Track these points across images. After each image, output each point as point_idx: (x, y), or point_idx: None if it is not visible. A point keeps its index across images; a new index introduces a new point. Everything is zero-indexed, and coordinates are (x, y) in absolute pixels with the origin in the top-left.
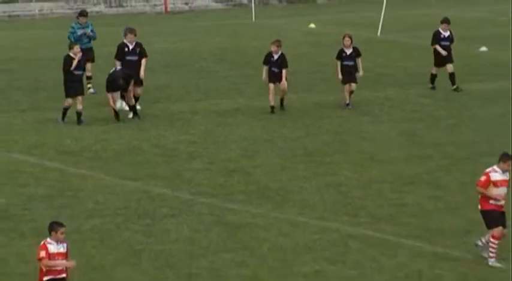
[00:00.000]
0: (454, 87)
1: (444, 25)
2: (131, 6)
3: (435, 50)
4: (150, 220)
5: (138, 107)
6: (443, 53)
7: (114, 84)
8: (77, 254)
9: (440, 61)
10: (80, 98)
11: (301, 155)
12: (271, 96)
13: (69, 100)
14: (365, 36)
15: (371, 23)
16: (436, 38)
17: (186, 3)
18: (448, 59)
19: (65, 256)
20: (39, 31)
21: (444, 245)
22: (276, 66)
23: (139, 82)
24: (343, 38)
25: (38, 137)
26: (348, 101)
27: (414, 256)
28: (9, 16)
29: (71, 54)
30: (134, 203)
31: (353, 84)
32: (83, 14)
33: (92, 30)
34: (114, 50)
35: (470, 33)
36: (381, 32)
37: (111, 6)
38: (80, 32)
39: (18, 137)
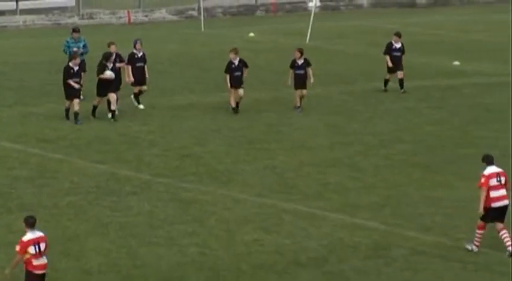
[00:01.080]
0: (402, 90)
1: (396, 37)
2: (100, 18)
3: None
4: (116, 197)
5: (141, 106)
6: (390, 64)
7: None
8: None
9: (392, 69)
10: (77, 100)
11: (243, 142)
12: (232, 100)
13: (68, 102)
14: (295, 43)
15: (301, 32)
16: (389, 48)
17: (146, 16)
18: (399, 67)
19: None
20: (24, 39)
21: (361, 218)
22: (238, 71)
23: (144, 82)
24: (295, 51)
25: (22, 128)
26: (298, 105)
27: (337, 226)
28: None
29: (71, 65)
30: (103, 183)
31: (304, 91)
32: (75, 30)
33: (84, 45)
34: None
35: (382, 40)
36: (309, 40)
37: (83, 18)
38: (73, 46)
39: (5, 128)
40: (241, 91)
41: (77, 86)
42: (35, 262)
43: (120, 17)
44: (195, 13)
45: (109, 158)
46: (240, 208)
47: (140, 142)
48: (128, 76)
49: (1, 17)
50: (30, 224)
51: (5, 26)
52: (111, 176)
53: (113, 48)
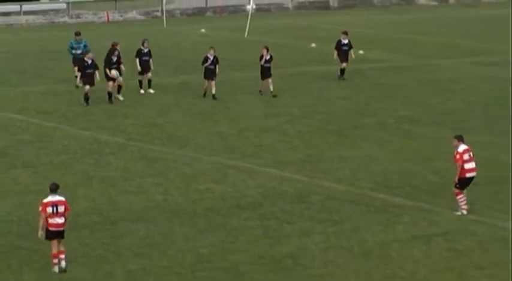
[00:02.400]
0: (343, 77)
1: (344, 35)
2: (85, 17)
3: (337, 53)
4: (98, 156)
5: (151, 91)
6: (335, 57)
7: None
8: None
9: (341, 60)
10: (88, 87)
11: (197, 114)
12: (206, 86)
13: (86, 87)
14: (237, 37)
15: (241, 29)
16: (338, 44)
17: (121, 16)
18: (345, 59)
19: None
20: (26, 34)
21: (288, 171)
22: (212, 65)
23: (149, 71)
24: (262, 48)
25: (23, 103)
26: (261, 90)
27: (269, 178)
28: (6, 25)
29: (86, 59)
30: (88, 145)
31: (269, 80)
32: (77, 34)
33: (84, 45)
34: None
35: (304, 35)
36: (247, 35)
37: (72, 18)
38: (76, 46)
39: (10, 103)
40: (213, 82)
41: (116, 72)
42: (50, 220)
43: (101, 17)
44: (159, 14)
45: (92, 126)
46: (194, 164)
47: (117, 113)
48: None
49: (8, 17)
50: (52, 189)
51: (12, 24)
52: (94, 140)
53: (118, 47)
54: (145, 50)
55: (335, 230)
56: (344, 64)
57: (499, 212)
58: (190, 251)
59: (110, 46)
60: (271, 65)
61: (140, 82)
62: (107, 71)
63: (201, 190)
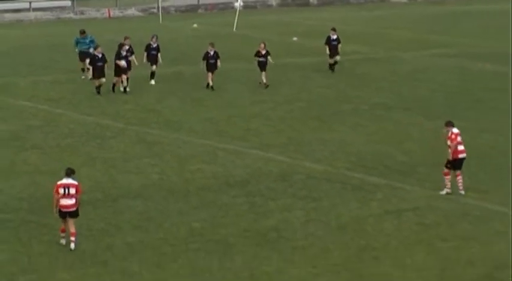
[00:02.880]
0: (332, 69)
1: (332, 31)
2: (88, 14)
3: (328, 48)
4: (100, 139)
5: (152, 82)
6: (327, 52)
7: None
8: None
9: (332, 55)
10: (102, 79)
11: (190, 101)
12: (209, 79)
13: (96, 81)
14: (225, 31)
15: (230, 24)
16: (328, 40)
17: (121, 12)
18: (335, 53)
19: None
20: (35, 29)
21: (273, 153)
22: (212, 59)
23: (156, 64)
24: (260, 44)
25: (33, 91)
26: (264, 81)
27: (255, 159)
28: (17, 21)
29: (96, 53)
30: (91, 129)
31: (264, 73)
32: (81, 32)
33: (91, 41)
34: None
35: (287, 30)
36: (235, 29)
37: (76, 14)
38: (81, 41)
39: (21, 91)
40: (211, 75)
41: (124, 62)
42: (62, 201)
43: (103, 13)
44: (155, 10)
45: (95, 112)
46: (187, 147)
47: (118, 100)
48: (144, 60)
49: (18, 13)
50: (66, 173)
51: (22, 20)
52: (96, 125)
53: (127, 42)
54: (154, 45)
55: (314, 206)
56: (337, 57)
57: (429, 186)
58: (184, 225)
59: (111, 39)
60: (267, 59)
61: (152, 74)
62: (117, 62)
63: (193, 170)
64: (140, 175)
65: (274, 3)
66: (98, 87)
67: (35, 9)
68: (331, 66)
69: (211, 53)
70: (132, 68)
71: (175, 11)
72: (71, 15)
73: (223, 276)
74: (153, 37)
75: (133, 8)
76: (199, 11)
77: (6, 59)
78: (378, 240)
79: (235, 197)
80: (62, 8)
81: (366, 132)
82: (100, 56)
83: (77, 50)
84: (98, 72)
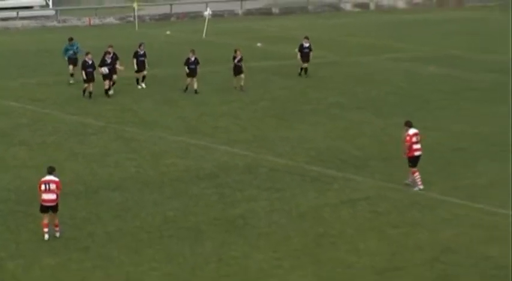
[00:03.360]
0: (306, 76)
1: (305, 39)
2: (70, 22)
3: (300, 54)
4: (82, 137)
5: (143, 85)
6: (299, 57)
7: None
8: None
9: (302, 60)
10: (91, 84)
11: (165, 101)
12: (188, 82)
13: (85, 85)
14: (195, 38)
15: (199, 31)
16: (301, 47)
17: (101, 21)
18: (307, 59)
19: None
20: (22, 36)
21: (239, 148)
22: (193, 65)
23: (144, 70)
24: (235, 51)
25: (22, 92)
26: (236, 86)
27: (223, 154)
28: (5, 28)
29: (86, 59)
30: (74, 127)
31: (242, 75)
32: (70, 39)
33: (77, 48)
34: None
35: (251, 35)
36: (204, 36)
37: (59, 22)
38: (70, 49)
39: (10, 93)
40: (194, 79)
41: (106, 69)
42: (43, 196)
43: (84, 22)
44: (131, 19)
45: (78, 112)
46: (162, 143)
47: (99, 101)
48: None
49: (6, 21)
50: (48, 171)
51: (9, 28)
52: (79, 123)
53: (110, 49)
54: (141, 52)
55: (277, 196)
56: (305, 64)
57: (379, 177)
58: (159, 214)
59: (92, 46)
60: (242, 64)
61: (137, 79)
62: (100, 69)
63: (167, 164)
64: (118, 168)
65: (240, 12)
66: (84, 90)
67: (22, 18)
68: (302, 70)
69: (192, 59)
70: (117, 73)
71: (150, 19)
72: (55, 23)
73: (194, 260)
74: (140, 45)
75: (111, 17)
76: (172, 19)
77: None
78: (334, 227)
79: (205, 188)
80: (47, 17)
81: (323, 130)
82: (90, 62)
83: (66, 57)
84: (88, 77)
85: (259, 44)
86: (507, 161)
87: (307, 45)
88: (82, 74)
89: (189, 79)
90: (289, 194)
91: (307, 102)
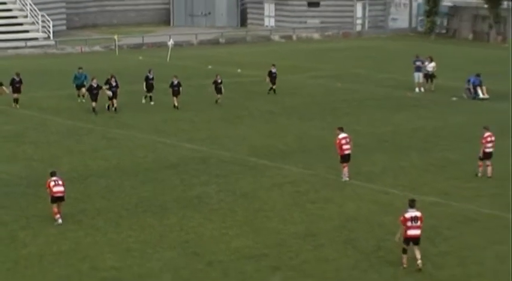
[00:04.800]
0: (275, 94)
1: (273, 66)
2: (66, 50)
3: (269, 78)
4: (77, 136)
5: (152, 103)
6: (267, 81)
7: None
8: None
9: (271, 83)
10: (94, 103)
11: (140, 110)
12: (174, 101)
13: (93, 103)
14: (161, 61)
15: (165, 56)
16: (269, 73)
17: (90, 49)
18: (274, 82)
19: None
20: (29, 60)
21: (197, 145)
22: (176, 87)
23: (151, 91)
24: (216, 75)
25: (30, 103)
26: (217, 100)
27: (184, 149)
28: (16, 54)
29: (92, 83)
30: (70, 130)
31: (220, 95)
32: (80, 68)
33: (85, 76)
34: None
35: (203, 60)
36: (168, 60)
37: (58, 50)
38: (79, 77)
39: (21, 103)
40: (175, 98)
41: (110, 92)
42: (55, 189)
43: (77, 49)
44: (113, 47)
45: (73, 118)
46: (137, 141)
47: (89, 111)
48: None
49: (17, 49)
50: (51, 174)
51: (19, 54)
52: (74, 126)
53: (113, 80)
54: (151, 76)
55: (224, 181)
56: (274, 86)
57: (324, 167)
58: (135, 195)
59: (84, 67)
60: (222, 86)
61: (145, 96)
62: (106, 91)
63: (141, 157)
64: (104, 160)
65: (195, 42)
66: (94, 108)
67: (29, 47)
68: (271, 90)
69: (175, 82)
70: (118, 96)
71: (127, 47)
72: (54, 50)
73: (161, 229)
74: (150, 70)
75: (98, 46)
76: (144, 47)
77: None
78: (267, 204)
79: (170, 175)
80: (48, 46)
81: (258, 130)
82: (95, 85)
83: (74, 84)
84: (93, 97)
85: (210, 67)
86: (395, 154)
87: (274, 70)
88: (90, 95)
89: (174, 98)
90: (233, 179)
91: (246, 110)
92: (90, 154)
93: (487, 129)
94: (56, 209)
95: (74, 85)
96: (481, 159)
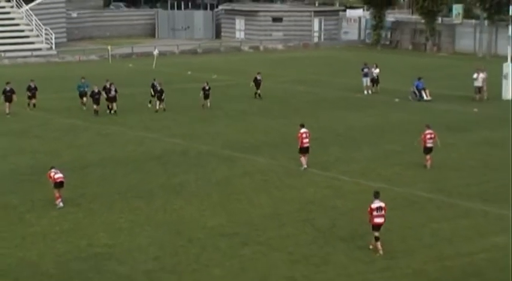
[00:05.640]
0: (260, 98)
1: (258, 74)
2: (66, 58)
3: (255, 84)
4: (74, 132)
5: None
6: (252, 85)
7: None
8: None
9: (256, 88)
10: (98, 106)
11: (129, 110)
12: (157, 106)
13: (95, 106)
14: (148, 68)
15: (151, 64)
16: (254, 79)
17: (87, 57)
18: (259, 87)
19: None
20: (35, 68)
21: (178, 139)
22: (159, 93)
23: (162, 99)
24: (207, 83)
25: (37, 104)
26: (203, 105)
27: (167, 143)
28: (24, 63)
29: (94, 90)
30: (70, 127)
31: (208, 100)
32: (82, 77)
33: (87, 86)
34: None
35: (183, 67)
36: (154, 67)
37: (59, 59)
38: (82, 86)
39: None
40: (163, 103)
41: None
42: (56, 176)
43: (76, 58)
44: (106, 56)
45: (72, 117)
46: (128, 136)
47: (87, 111)
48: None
49: (25, 58)
50: (51, 167)
51: (26, 62)
52: (73, 124)
53: (113, 86)
54: (159, 88)
55: (202, 170)
56: (259, 91)
57: (287, 158)
58: (126, 182)
59: (81, 73)
60: (210, 92)
61: (150, 101)
62: (108, 95)
63: (130, 150)
64: (98, 153)
65: (177, 51)
66: (96, 111)
67: (35, 56)
68: (256, 95)
69: (159, 88)
70: (117, 99)
71: (119, 56)
72: (56, 59)
73: (148, 211)
74: (155, 79)
75: (93, 55)
76: (133, 56)
77: (19, 86)
78: (239, 189)
79: (155, 165)
80: (51, 55)
81: (232, 127)
82: (96, 91)
83: (78, 91)
84: (95, 102)
85: (189, 72)
86: (347, 146)
87: (259, 77)
88: (92, 100)
89: (157, 102)
90: (210, 168)
91: (221, 110)
92: (87, 147)
93: (428, 127)
94: (57, 194)
95: (78, 93)
96: (425, 153)
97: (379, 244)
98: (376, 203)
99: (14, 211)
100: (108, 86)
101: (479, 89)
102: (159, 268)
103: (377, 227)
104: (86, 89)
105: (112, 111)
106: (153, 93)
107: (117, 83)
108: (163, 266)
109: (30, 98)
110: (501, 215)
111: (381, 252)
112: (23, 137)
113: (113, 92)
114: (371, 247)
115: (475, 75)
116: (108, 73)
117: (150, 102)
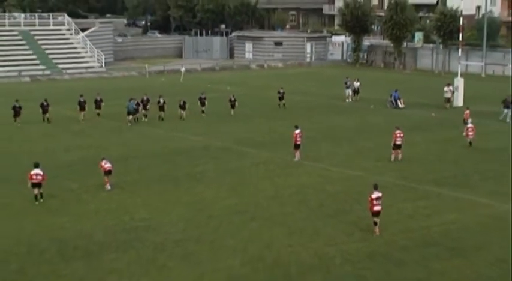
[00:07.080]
0: (284, 108)
1: (281, 88)
2: (114, 74)
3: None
4: (120, 133)
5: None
6: (230, 100)
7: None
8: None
9: (279, 99)
10: (134, 117)
11: (165, 116)
12: (159, 114)
13: (97, 111)
14: (177, 82)
15: (179, 78)
16: (278, 92)
17: (129, 73)
18: (282, 98)
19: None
20: (89, 82)
21: (199, 137)
22: (161, 104)
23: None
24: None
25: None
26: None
27: (190, 141)
28: (80, 78)
29: (97, 98)
30: (112, 128)
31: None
32: (130, 99)
33: (137, 103)
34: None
35: (205, 81)
36: (182, 80)
37: (108, 75)
38: (130, 106)
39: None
40: (163, 113)
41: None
42: (105, 165)
43: (121, 74)
44: (144, 72)
45: (117, 120)
46: (160, 135)
47: (91, 115)
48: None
49: (81, 74)
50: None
51: (82, 77)
52: (117, 126)
53: (145, 97)
54: (162, 101)
55: (219, 161)
56: (282, 102)
57: (285, 153)
58: (158, 170)
59: (124, 86)
60: (237, 103)
61: (203, 111)
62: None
63: (161, 146)
64: (138, 148)
65: (199, 69)
66: (133, 120)
67: (89, 72)
68: (281, 105)
69: (161, 101)
70: (149, 110)
71: (154, 72)
72: (105, 75)
73: (177, 193)
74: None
75: (134, 71)
76: (165, 72)
77: (71, 95)
78: (247, 177)
79: (181, 158)
80: (101, 72)
81: (241, 128)
82: (99, 98)
83: (127, 110)
84: (133, 113)
85: (209, 85)
86: (333, 143)
87: (282, 91)
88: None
89: (162, 113)
90: (224, 160)
91: (233, 114)
92: (128, 144)
93: (397, 128)
94: (106, 179)
95: (127, 111)
96: (393, 149)
97: (377, 227)
98: (376, 194)
99: (73, 193)
100: (160, 100)
101: (448, 99)
102: (186, 238)
103: (376, 214)
104: (134, 108)
105: (160, 119)
106: (201, 104)
107: (151, 94)
108: (189, 237)
109: (96, 108)
110: (453, 196)
111: (377, 233)
112: (80, 136)
113: (161, 102)
114: (376, 233)
115: (445, 89)
116: (146, 85)
117: (203, 112)
